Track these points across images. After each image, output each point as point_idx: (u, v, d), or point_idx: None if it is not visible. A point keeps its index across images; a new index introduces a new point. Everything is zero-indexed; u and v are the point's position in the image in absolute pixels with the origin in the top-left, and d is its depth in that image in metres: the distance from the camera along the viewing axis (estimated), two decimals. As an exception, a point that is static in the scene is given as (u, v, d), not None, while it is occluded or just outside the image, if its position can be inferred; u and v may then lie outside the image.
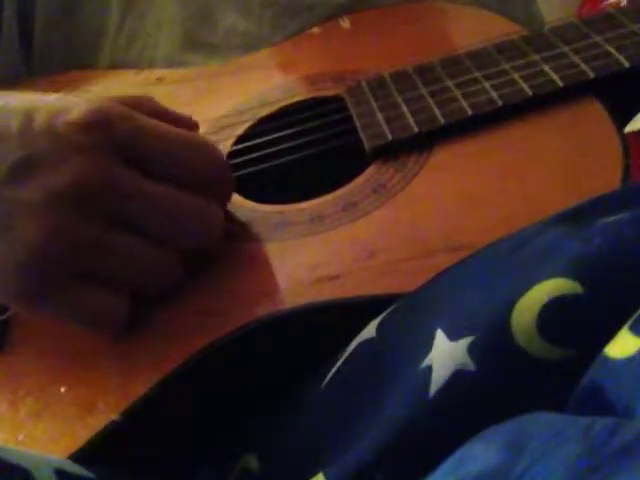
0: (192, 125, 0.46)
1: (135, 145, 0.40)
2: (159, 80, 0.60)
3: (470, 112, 0.45)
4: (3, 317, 0.44)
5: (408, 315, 0.34)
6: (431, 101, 0.47)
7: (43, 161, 0.38)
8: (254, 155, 0.50)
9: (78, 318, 0.40)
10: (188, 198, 0.41)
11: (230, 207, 0.46)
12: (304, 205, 0.45)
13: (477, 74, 0.48)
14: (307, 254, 0.42)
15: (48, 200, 0.38)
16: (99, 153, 0.39)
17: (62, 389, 0.40)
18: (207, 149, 0.42)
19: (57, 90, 0.49)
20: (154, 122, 0.41)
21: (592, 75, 0.45)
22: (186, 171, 0.41)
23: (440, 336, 0.31)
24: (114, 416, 0.37)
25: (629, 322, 0.26)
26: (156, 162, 0.40)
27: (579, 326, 0.29)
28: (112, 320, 0.40)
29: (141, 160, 0.40)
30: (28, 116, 0.39)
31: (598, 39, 0.47)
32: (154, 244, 0.40)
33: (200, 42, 0.61)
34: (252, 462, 0.37)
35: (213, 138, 0.52)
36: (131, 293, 0.40)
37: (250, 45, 0.60)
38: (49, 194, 0.38)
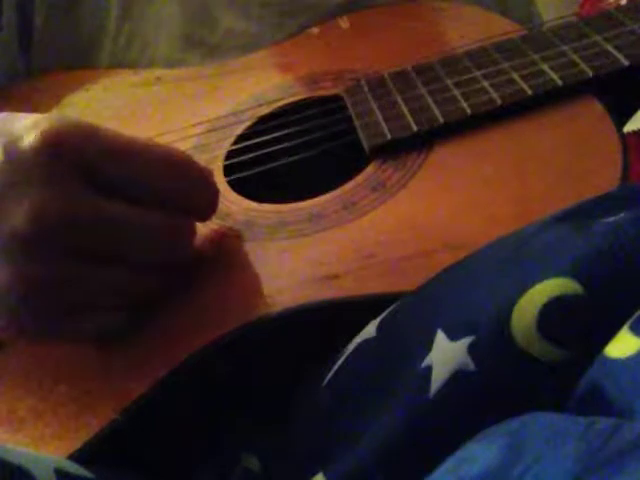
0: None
1: (95, 165, 0.38)
2: (158, 79, 0.60)
3: (469, 111, 0.45)
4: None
5: (408, 315, 0.34)
6: (430, 100, 0.47)
7: (2, 198, 0.36)
8: (253, 154, 0.50)
9: (76, 339, 0.41)
10: (153, 215, 0.39)
11: (230, 206, 0.46)
12: (303, 204, 0.45)
13: (476, 73, 0.48)
14: (307, 253, 0.42)
15: (11, 246, 0.36)
16: (61, 180, 0.37)
17: (62, 389, 0.40)
18: (169, 159, 0.40)
19: (57, 91, 0.49)
20: (112, 137, 0.39)
21: (591, 74, 0.45)
22: (149, 186, 0.40)
23: (440, 336, 0.31)
24: (114, 415, 0.37)
25: (629, 322, 0.26)
26: (117, 180, 0.39)
27: (579, 326, 0.29)
28: (109, 332, 0.40)
29: (102, 179, 0.38)
30: None
31: (597, 38, 0.47)
32: (123, 264, 0.39)
33: (199, 42, 0.61)
34: (253, 462, 0.37)
35: (212, 137, 0.52)
36: (117, 308, 0.40)
37: (249, 45, 0.60)
38: (13, 238, 0.36)
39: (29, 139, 0.37)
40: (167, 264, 0.41)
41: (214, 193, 0.42)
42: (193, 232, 0.42)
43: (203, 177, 0.41)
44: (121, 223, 0.38)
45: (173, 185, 0.40)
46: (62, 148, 0.37)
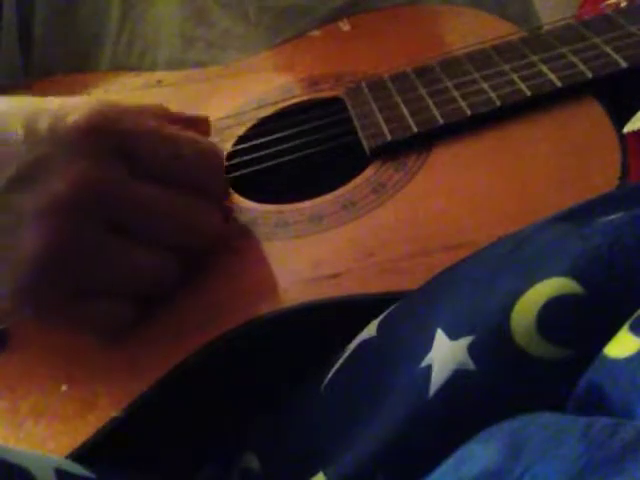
0: (202, 124, 0.46)
1: (133, 148, 0.40)
2: (159, 82, 0.60)
3: (469, 112, 0.46)
4: (3, 326, 0.44)
5: (408, 315, 0.34)
6: (430, 102, 0.48)
7: (45, 167, 0.38)
8: (254, 155, 0.50)
9: (82, 326, 0.41)
10: (186, 199, 0.41)
11: (230, 207, 0.46)
12: (304, 205, 0.45)
13: (476, 75, 0.48)
14: (307, 253, 0.42)
15: (50, 208, 0.38)
16: (98, 158, 0.39)
17: (63, 387, 0.40)
18: (205, 149, 0.43)
19: (57, 94, 0.49)
20: (153, 124, 0.41)
21: (590, 75, 0.45)
22: (184, 172, 0.41)
23: (440, 336, 0.31)
24: (115, 414, 0.37)
25: (629, 322, 0.26)
26: (154, 164, 0.40)
27: (579, 326, 0.29)
28: (116, 325, 0.40)
29: (140, 162, 0.40)
30: (31, 121, 0.39)
31: (596, 40, 0.48)
32: (151, 247, 0.40)
33: (197, 38, 0.61)
34: (253, 461, 0.37)
35: (214, 139, 0.52)
36: (132, 297, 0.40)
37: (247, 48, 0.60)
38: (51, 202, 0.38)
39: (75, 117, 0.39)
40: (191, 248, 0.42)
41: (227, 183, 0.45)
42: (221, 218, 0.43)
43: (222, 164, 0.44)
44: (153, 204, 0.40)
45: (201, 169, 0.42)
46: (104, 128, 0.39)
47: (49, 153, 0.38)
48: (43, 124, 0.39)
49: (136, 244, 0.40)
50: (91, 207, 0.38)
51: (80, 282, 0.39)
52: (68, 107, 0.40)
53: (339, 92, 0.53)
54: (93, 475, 0.34)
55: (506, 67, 0.48)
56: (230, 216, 0.45)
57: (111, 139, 0.39)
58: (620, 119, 0.44)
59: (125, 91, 0.61)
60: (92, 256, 0.39)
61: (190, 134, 0.43)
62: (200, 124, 0.45)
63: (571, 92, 0.45)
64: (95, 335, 0.41)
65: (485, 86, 0.47)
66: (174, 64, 0.61)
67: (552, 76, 0.46)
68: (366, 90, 0.51)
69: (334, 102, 0.52)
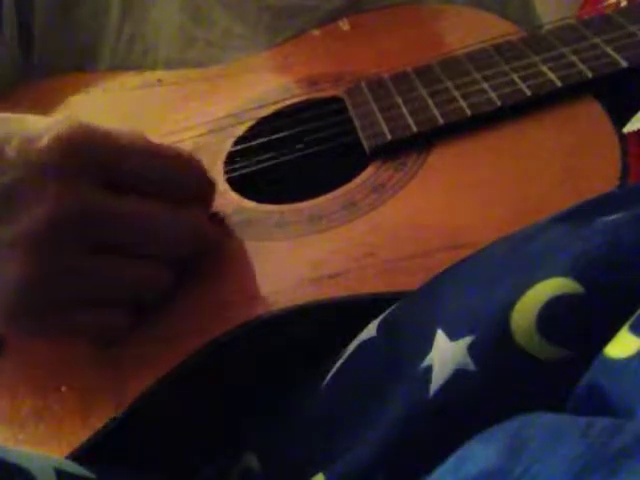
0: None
1: (108, 163, 0.39)
2: (159, 81, 0.60)
3: (469, 112, 0.46)
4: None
5: (408, 315, 0.34)
6: (430, 102, 0.47)
7: (19, 193, 0.38)
8: (254, 155, 0.50)
9: (79, 337, 0.41)
10: (167, 209, 0.40)
11: (230, 207, 0.46)
12: (304, 205, 0.45)
13: (476, 75, 0.48)
14: (307, 253, 0.42)
15: (28, 235, 0.37)
16: (75, 177, 0.38)
17: (62, 388, 0.40)
18: (179, 156, 0.42)
19: (57, 93, 0.49)
20: (124, 137, 0.40)
21: (590, 75, 0.45)
22: (162, 182, 0.41)
23: (440, 336, 0.31)
24: (114, 414, 0.37)
25: (629, 322, 0.26)
26: (131, 177, 0.40)
27: (579, 326, 0.29)
28: (109, 334, 0.41)
29: (116, 177, 0.40)
30: (1, 145, 0.39)
31: (596, 40, 0.48)
32: (137, 259, 0.40)
33: (197, 37, 0.61)
34: (253, 462, 0.37)
35: (213, 138, 0.52)
36: (123, 307, 0.41)
37: (247, 47, 0.60)
38: (28, 229, 0.37)
39: (45, 139, 0.38)
40: (178, 258, 0.42)
41: (212, 185, 0.44)
42: (206, 222, 0.43)
43: (203, 170, 0.43)
44: (133, 217, 0.40)
45: (179, 178, 0.42)
46: (74, 149, 0.38)
47: (21, 178, 0.38)
48: (12, 150, 0.38)
49: (120, 258, 0.40)
50: (71, 230, 0.38)
51: (69, 302, 0.39)
52: (37, 129, 0.39)
53: (339, 92, 0.53)
54: (93, 475, 0.34)
55: (506, 67, 0.48)
56: (228, 218, 0.45)
57: (84, 157, 0.39)
58: (620, 119, 0.44)
59: (125, 90, 0.61)
60: (78, 277, 0.39)
61: (162, 144, 0.42)
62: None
63: (571, 92, 0.45)
64: (89, 344, 0.41)
65: (485, 86, 0.47)
66: (174, 63, 0.61)
67: (552, 76, 0.46)
68: (366, 90, 0.51)
69: (334, 102, 0.52)
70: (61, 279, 0.38)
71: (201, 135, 0.52)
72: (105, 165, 0.39)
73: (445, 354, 0.30)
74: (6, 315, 0.39)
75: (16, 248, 0.38)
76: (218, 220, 0.45)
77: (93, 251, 0.39)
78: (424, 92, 0.49)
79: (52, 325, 0.40)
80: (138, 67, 0.62)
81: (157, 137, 0.51)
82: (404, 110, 0.48)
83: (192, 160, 0.43)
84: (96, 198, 0.39)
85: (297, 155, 0.49)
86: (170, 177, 0.41)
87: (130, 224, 0.40)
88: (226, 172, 0.49)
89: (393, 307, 0.35)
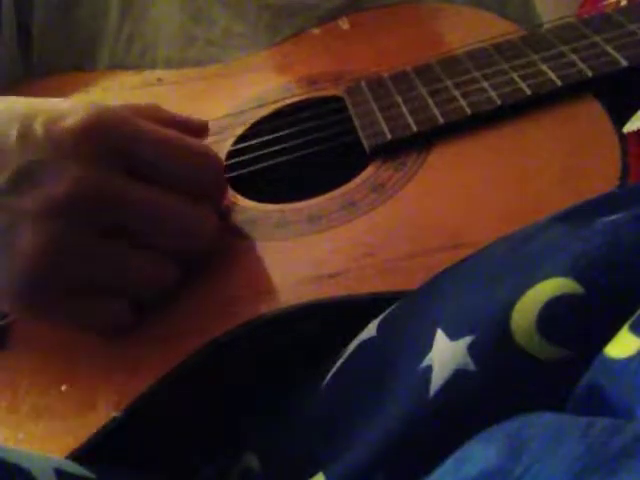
0: (200, 128, 0.46)
1: (130, 151, 0.40)
2: (159, 81, 0.60)
3: (469, 111, 0.46)
4: (3, 322, 0.44)
5: (408, 315, 0.34)
6: (430, 101, 0.47)
7: (42, 170, 0.38)
8: (254, 155, 0.50)
9: (78, 324, 0.41)
10: (182, 201, 0.41)
11: (230, 206, 0.46)
12: (304, 204, 0.45)
13: (476, 74, 0.48)
14: (307, 253, 0.42)
15: (46, 212, 0.38)
16: (95, 160, 0.39)
17: (62, 388, 0.40)
18: (201, 152, 0.42)
19: (56, 92, 0.49)
20: (149, 126, 0.41)
21: (590, 74, 0.45)
22: (180, 176, 0.41)
23: (440, 336, 0.31)
24: (115, 413, 0.37)
25: (629, 322, 0.26)
26: (151, 167, 0.40)
27: (579, 326, 0.29)
28: (113, 325, 0.40)
29: (136, 165, 0.40)
30: (26, 123, 0.39)
31: (596, 39, 0.48)
32: (149, 249, 0.40)
33: (196, 36, 0.61)
34: (253, 462, 0.37)
35: (213, 138, 0.52)
36: (129, 298, 0.41)
37: (247, 46, 0.60)
38: (48, 205, 0.38)
39: (70, 120, 0.39)
40: (188, 252, 0.42)
41: (225, 182, 0.44)
42: (216, 221, 0.43)
43: (222, 170, 0.44)
44: (147, 205, 0.40)
45: (196, 172, 0.42)
46: (100, 131, 0.39)
47: (44, 156, 0.38)
48: (38, 127, 0.39)
49: (134, 247, 0.40)
50: (87, 210, 0.39)
51: (76, 283, 0.40)
52: (63, 110, 0.40)
53: (339, 91, 0.53)
54: (93, 475, 0.34)
55: (506, 66, 0.48)
56: (228, 217, 0.45)
57: (107, 142, 0.39)
58: (620, 119, 0.44)
59: (124, 90, 0.60)
60: (88, 258, 0.39)
61: (187, 138, 0.43)
62: (195, 126, 0.45)
63: (571, 91, 0.45)
64: (92, 334, 0.41)
65: (485, 85, 0.47)
66: (174, 63, 0.61)
67: (552, 75, 0.46)
68: (366, 89, 0.51)
69: (334, 101, 0.52)
70: (70, 258, 0.39)
71: None
72: (125, 151, 0.40)
73: (445, 354, 0.30)
74: (12, 291, 0.39)
75: (32, 222, 0.38)
76: (220, 220, 0.45)
77: (103, 234, 0.39)
78: (424, 91, 0.49)
79: (55, 307, 0.40)
80: (137, 66, 0.62)
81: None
82: (404, 109, 0.48)
83: (211, 156, 0.43)
84: (113, 182, 0.39)
85: (297, 154, 0.49)
86: (187, 170, 0.41)
87: (143, 211, 0.40)
88: (226, 171, 0.49)
89: (393, 307, 0.35)
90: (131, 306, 0.41)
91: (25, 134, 0.39)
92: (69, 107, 0.40)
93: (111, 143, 0.39)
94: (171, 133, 0.42)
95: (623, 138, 0.42)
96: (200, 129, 0.46)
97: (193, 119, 0.46)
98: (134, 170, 0.40)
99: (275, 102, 0.53)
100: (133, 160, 0.40)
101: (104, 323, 0.41)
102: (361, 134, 0.47)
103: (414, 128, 0.46)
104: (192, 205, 0.41)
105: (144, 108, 0.44)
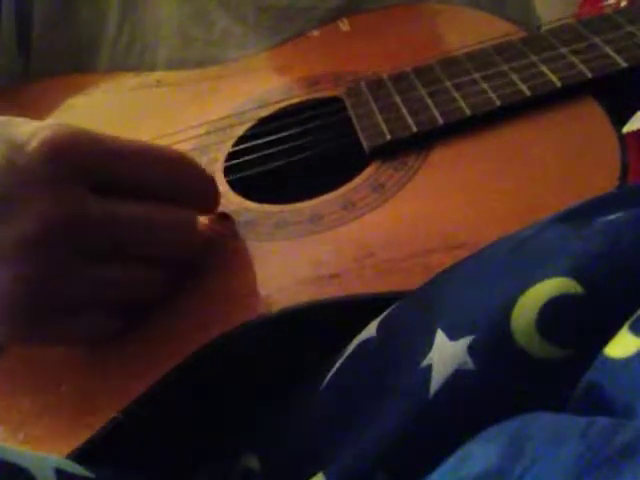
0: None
1: (98, 167, 0.39)
2: (158, 82, 0.60)
3: (469, 112, 0.46)
4: None
5: (408, 315, 0.34)
6: (430, 101, 0.48)
7: (8, 202, 0.37)
8: (254, 156, 0.50)
9: (71, 344, 0.41)
10: (158, 209, 0.40)
11: (230, 207, 0.46)
12: (304, 205, 0.45)
13: (476, 75, 0.48)
14: (307, 253, 0.42)
15: (18, 247, 0.37)
16: (64, 185, 0.37)
17: (62, 388, 0.40)
18: (174, 159, 0.41)
19: (56, 94, 0.49)
20: (113, 139, 0.40)
21: (590, 75, 0.45)
22: (155, 184, 0.40)
23: (440, 336, 0.31)
24: (115, 414, 0.37)
25: (629, 322, 0.26)
26: (121, 180, 0.40)
27: (579, 326, 0.29)
28: (101, 336, 0.40)
29: (106, 180, 0.39)
30: None
31: (596, 40, 0.48)
32: (131, 262, 0.40)
33: (196, 38, 0.61)
34: (253, 462, 0.37)
35: (213, 139, 0.52)
36: (117, 310, 0.40)
37: (246, 47, 0.60)
38: (19, 241, 0.37)
39: (31, 146, 0.37)
40: (170, 261, 0.41)
41: (211, 182, 0.43)
42: (195, 226, 0.42)
43: (198, 169, 0.43)
44: (124, 221, 0.39)
45: (170, 179, 0.41)
46: (63, 154, 0.37)
47: (9, 184, 0.37)
48: (1, 154, 0.37)
49: (113, 263, 0.39)
50: (58, 237, 0.37)
51: (58, 307, 0.39)
52: (25, 133, 0.38)
53: (339, 92, 0.53)
54: (93, 475, 0.34)
55: (506, 67, 0.48)
56: (228, 218, 0.45)
57: (73, 162, 0.38)
58: (620, 119, 0.44)
59: (124, 92, 0.61)
60: (67, 284, 0.38)
61: (158, 145, 0.42)
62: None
63: (571, 92, 0.45)
64: (82, 346, 0.41)
65: (485, 86, 0.47)
66: (173, 64, 0.61)
67: (552, 76, 0.46)
68: (366, 90, 0.51)
69: (334, 102, 0.52)
70: (50, 289, 0.38)
71: (201, 136, 0.52)
72: (94, 169, 0.38)
73: (445, 354, 0.30)
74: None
75: (4, 261, 0.37)
76: (220, 220, 0.45)
77: (85, 257, 0.38)
78: (424, 92, 0.49)
79: (44, 332, 0.40)
80: (137, 67, 0.62)
81: (156, 138, 0.51)
82: (404, 110, 0.48)
83: (184, 159, 0.42)
84: (85, 204, 0.38)
85: (297, 155, 0.49)
86: (162, 178, 0.41)
87: (117, 226, 0.39)
88: (226, 173, 0.49)
89: (393, 307, 0.35)
90: (121, 315, 0.41)
91: None
92: (30, 130, 0.38)
93: (77, 162, 0.38)
94: (135, 142, 0.40)
95: (623, 139, 0.42)
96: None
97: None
98: (104, 186, 0.39)
99: (275, 103, 0.53)
100: (101, 176, 0.39)
101: (90, 338, 0.41)
102: (361, 135, 0.48)
103: (414, 129, 0.46)
104: (168, 212, 0.40)
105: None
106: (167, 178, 0.41)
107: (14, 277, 0.37)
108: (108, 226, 0.39)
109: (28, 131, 0.38)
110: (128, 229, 0.39)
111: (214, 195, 0.43)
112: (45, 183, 0.37)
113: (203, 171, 0.43)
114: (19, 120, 0.40)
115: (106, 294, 0.40)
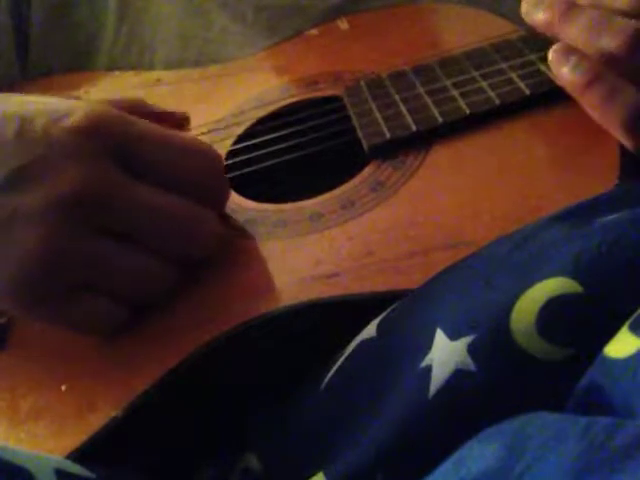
0: (183, 121, 0.46)
1: (131, 150, 0.40)
2: (158, 81, 0.60)
3: (468, 111, 0.46)
4: (2, 320, 0.44)
5: (408, 314, 0.34)
6: (429, 100, 0.48)
7: (41, 169, 0.38)
8: (254, 154, 0.50)
9: (74, 324, 0.41)
10: (184, 204, 0.41)
11: (230, 206, 0.46)
12: (303, 204, 0.45)
13: (474, 73, 0.48)
14: (307, 252, 0.42)
15: (46, 209, 0.38)
16: (96, 160, 0.39)
17: (62, 387, 0.40)
18: (204, 153, 0.42)
19: (54, 93, 0.49)
20: (150, 126, 0.41)
21: (590, 74, 0.45)
22: (182, 176, 0.41)
23: (440, 335, 0.31)
24: (115, 413, 0.37)
25: (629, 322, 0.26)
26: (152, 167, 0.40)
27: (579, 326, 0.29)
28: (109, 325, 0.40)
29: (137, 165, 0.40)
30: (25, 122, 0.39)
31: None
32: (148, 251, 0.40)
33: (195, 37, 0.61)
34: (253, 461, 0.37)
35: (213, 138, 0.52)
36: (127, 299, 0.40)
37: (245, 45, 0.60)
38: (47, 203, 0.38)
39: (70, 120, 0.39)
40: (185, 259, 0.42)
41: (228, 188, 0.44)
42: (218, 225, 0.43)
43: (223, 171, 0.44)
44: (147, 205, 0.40)
45: (198, 175, 0.42)
46: (99, 131, 0.39)
47: (43, 155, 0.38)
48: (37, 126, 0.39)
49: (133, 247, 0.40)
50: (87, 209, 0.38)
51: (74, 282, 0.39)
52: (63, 109, 0.40)
53: (338, 91, 0.53)
54: (93, 475, 0.34)
55: (505, 66, 0.48)
56: (228, 217, 0.45)
57: (108, 141, 0.39)
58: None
59: (123, 91, 0.60)
60: (86, 257, 0.39)
61: (189, 137, 0.42)
62: (177, 118, 0.45)
63: None
64: (88, 333, 0.41)
65: (484, 85, 0.47)
66: (172, 63, 0.61)
67: (551, 75, 0.46)
68: (365, 89, 0.51)
69: (333, 101, 0.52)
70: (69, 257, 0.38)
71: (200, 135, 0.52)
72: (126, 150, 0.40)
73: (445, 354, 0.30)
74: (10, 290, 0.39)
75: (31, 221, 0.38)
76: (221, 220, 0.45)
77: (102, 233, 0.39)
78: (423, 91, 0.49)
79: (52, 306, 0.40)
80: (136, 67, 0.62)
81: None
82: (403, 109, 0.48)
83: (214, 157, 0.43)
84: (114, 182, 0.39)
85: (296, 154, 0.49)
86: (189, 171, 0.41)
87: (143, 213, 0.40)
88: (226, 172, 0.49)
89: (393, 307, 0.35)
90: (129, 307, 0.41)
91: (23, 133, 0.39)
92: (69, 107, 0.40)
93: (112, 142, 0.39)
94: (172, 132, 0.41)
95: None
96: (181, 121, 0.46)
97: (175, 112, 0.46)
98: (134, 170, 0.40)
99: (274, 102, 0.53)
100: (133, 160, 0.40)
101: (99, 324, 0.40)
102: (360, 134, 0.47)
103: (413, 127, 0.46)
104: (193, 208, 0.41)
105: (130, 102, 0.44)
106: (196, 173, 0.42)
107: (36, 237, 0.38)
108: (131, 207, 0.39)
109: (65, 107, 0.40)
110: (150, 218, 0.40)
111: (227, 197, 0.44)
112: (77, 158, 0.38)
113: (224, 174, 0.44)
114: (53, 98, 0.42)
115: (114, 277, 0.40)
